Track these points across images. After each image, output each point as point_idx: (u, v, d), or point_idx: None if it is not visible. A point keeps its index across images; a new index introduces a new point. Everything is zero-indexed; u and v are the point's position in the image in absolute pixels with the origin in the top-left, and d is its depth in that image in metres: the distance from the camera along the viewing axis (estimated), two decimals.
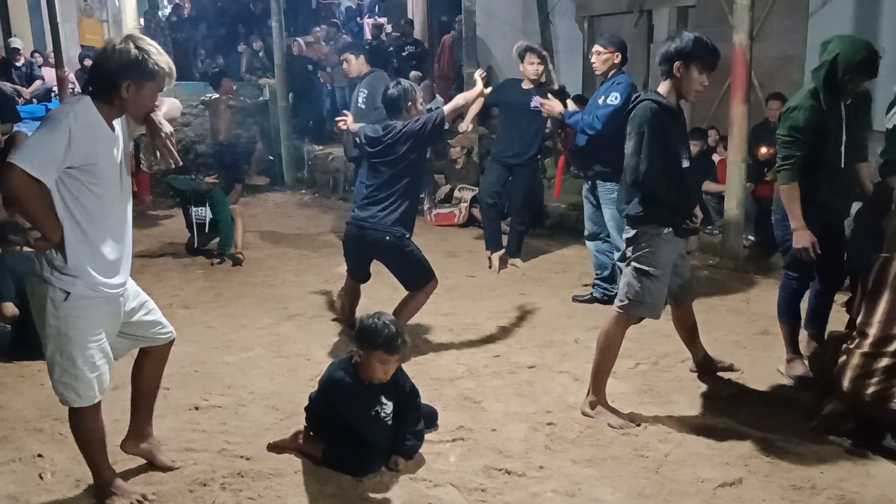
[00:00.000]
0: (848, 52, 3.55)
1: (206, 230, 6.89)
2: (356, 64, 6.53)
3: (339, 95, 11.42)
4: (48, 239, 2.55)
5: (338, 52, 10.06)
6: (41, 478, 3.09)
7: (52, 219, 2.53)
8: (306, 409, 3.30)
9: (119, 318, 2.79)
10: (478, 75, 4.80)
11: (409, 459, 3.14)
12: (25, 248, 2.61)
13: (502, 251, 6.37)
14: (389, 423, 3.13)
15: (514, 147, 6.14)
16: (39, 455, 3.26)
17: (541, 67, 5.94)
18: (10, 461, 3.22)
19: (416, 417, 3.25)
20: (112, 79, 2.56)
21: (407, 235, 4.40)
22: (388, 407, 3.16)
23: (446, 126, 4.51)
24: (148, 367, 3.05)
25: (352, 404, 3.07)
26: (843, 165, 3.73)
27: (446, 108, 4.42)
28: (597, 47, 5.13)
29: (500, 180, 6.30)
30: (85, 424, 2.79)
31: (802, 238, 3.67)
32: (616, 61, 5.05)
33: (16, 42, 10.47)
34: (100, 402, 2.79)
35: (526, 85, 5.95)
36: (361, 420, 3.08)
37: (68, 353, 2.64)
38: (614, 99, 4.90)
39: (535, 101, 5.56)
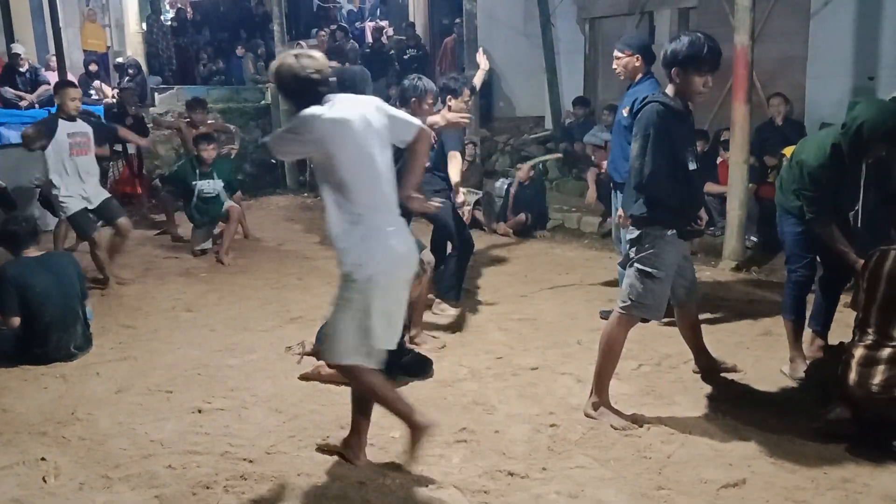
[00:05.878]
0: (874, 120, 3.55)
1: (219, 198, 7.09)
2: None
3: None
4: None
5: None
6: (45, 481, 3.09)
7: None
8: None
9: None
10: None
11: None
12: None
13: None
14: None
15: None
16: (43, 458, 3.26)
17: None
18: (14, 464, 3.23)
19: None
20: None
21: None
22: None
23: None
24: None
25: None
26: (859, 224, 3.85)
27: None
28: (615, 52, 4.75)
29: None
30: None
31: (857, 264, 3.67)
32: (637, 64, 4.68)
33: (17, 48, 10.47)
34: None
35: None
36: None
37: None
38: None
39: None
